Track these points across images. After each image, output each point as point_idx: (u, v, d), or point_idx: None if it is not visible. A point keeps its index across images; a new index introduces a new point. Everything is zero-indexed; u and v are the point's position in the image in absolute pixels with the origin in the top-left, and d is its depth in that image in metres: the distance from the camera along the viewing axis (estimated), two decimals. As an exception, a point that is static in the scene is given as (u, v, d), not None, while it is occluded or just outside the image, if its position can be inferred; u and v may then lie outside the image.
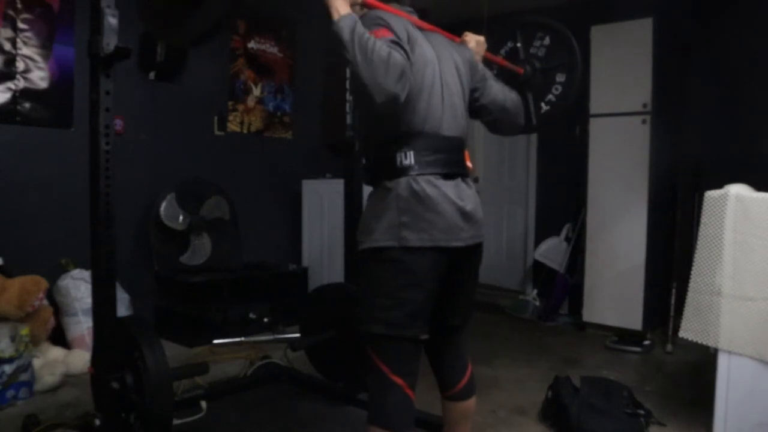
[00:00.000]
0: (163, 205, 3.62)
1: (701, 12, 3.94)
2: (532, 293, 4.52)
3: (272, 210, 4.51)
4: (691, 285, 2.23)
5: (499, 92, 1.72)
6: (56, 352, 2.93)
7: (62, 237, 3.22)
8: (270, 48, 4.44)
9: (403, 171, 1.43)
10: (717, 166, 3.52)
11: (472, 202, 1.52)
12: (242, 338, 3.44)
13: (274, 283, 4.05)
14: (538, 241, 4.60)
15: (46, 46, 3.20)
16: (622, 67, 3.74)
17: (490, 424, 2.43)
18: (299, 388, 2.78)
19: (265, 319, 3.70)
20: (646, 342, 3.57)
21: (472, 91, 1.66)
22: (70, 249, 3.22)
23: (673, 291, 3.55)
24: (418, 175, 1.43)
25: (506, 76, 1.97)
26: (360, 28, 1.28)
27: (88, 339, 2.99)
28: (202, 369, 2.28)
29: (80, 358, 2.92)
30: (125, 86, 3.23)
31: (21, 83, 3.12)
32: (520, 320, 4.35)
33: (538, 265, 4.59)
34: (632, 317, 3.72)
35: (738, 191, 2.17)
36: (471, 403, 1.71)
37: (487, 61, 1.88)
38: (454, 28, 1.75)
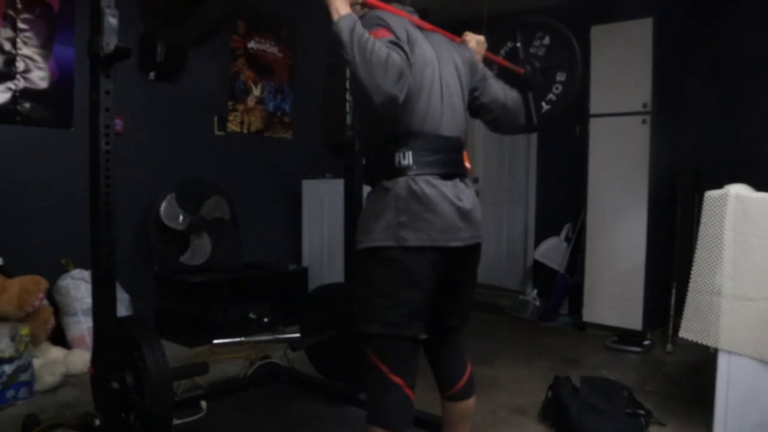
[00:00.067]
0: (163, 205, 3.62)
1: (701, 12, 3.94)
2: (532, 293, 4.52)
3: (272, 210, 4.51)
4: (691, 285, 2.23)
5: (500, 91, 1.72)
6: (56, 352, 2.93)
7: (62, 237, 3.22)
8: (270, 48, 4.44)
9: (402, 171, 1.44)
10: (717, 166, 3.52)
11: (471, 202, 1.52)
12: (242, 338, 3.44)
13: (274, 283, 4.05)
14: (538, 241, 4.60)
15: (46, 46, 3.20)
16: (622, 67, 3.74)
17: (490, 424, 2.43)
18: (299, 388, 2.78)
19: (265, 319, 3.70)
20: (646, 342, 3.57)
21: (473, 90, 1.66)
22: (70, 249, 3.22)
23: (673, 291, 3.55)
24: (416, 175, 1.43)
25: (506, 76, 1.97)
26: (359, 28, 1.28)
27: (88, 339, 2.99)
28: (202, 369, 2.28)
29: (80, 358, 2.92)
30: (125, 86, 3.24)
31: (21, 83, 3.12)
32: (520, 320, 4.35)
33: (538, 265, 4.59)
34: (632, 317, 3.72)
35: (738, 191, 2.17)
36: (470, 403, 1.71)
37: (487, 61, 1.88)
38: (454, 28, 1.75)
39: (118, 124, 3.38)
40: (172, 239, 3.71)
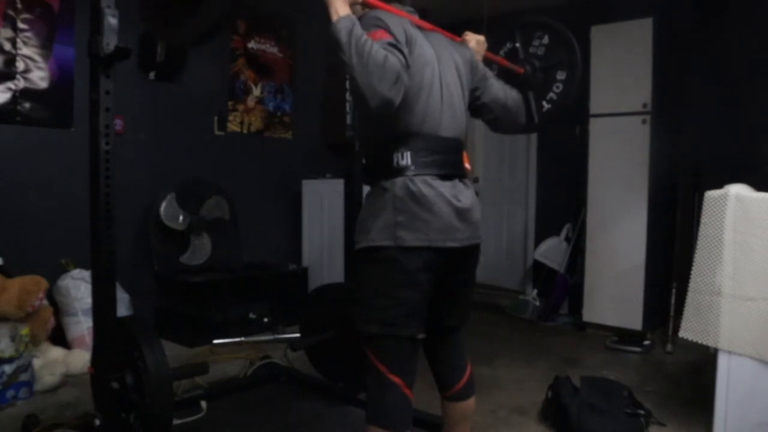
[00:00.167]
0: (163, 205, 3.62)
1: (701, 12, 3.94)
2: (532, 293, 4.52)
3: (272, 210, 4.51)
4: (691, 285, 2.23)
5: (500, 91, 1.72)
6: (56, 352, 2.93)
7: (62, 237, 3.22)
8: (270, 48, 4.44)
9: (400, 171, 1.44)
10: (717, 166, 3.52)
11: (470, 203, 1.52)
12: (242, 338, 3.44)
13: (274, 283, 4.05)
14: (538, 241, 4.60)
15: (46, 46, 3.20)
16: (622, 67, 3.74)
17: (490, 424, 2.43)
18: (299, 388, 2.78)
19: (265, 319, 3.70)
20: (646, 342, 3.57)
21: (473, 90, 1.66)
22: (70, 249, 3.22)
23: (673, 291, 3.55)
24: (414, 175, 1.43)
25: (507, 76, 1.97)
26: (358, 30, 1.28)
27: (88, 339, 2.99)
28: (202, 369, 2.28)
29: (80, 358, 2.92)
30: (125, 86, 3.24)
31: (21, 83, 3.12)
32: (520, 320, 4.35)
33: (538, 265, 4.59)
34: (632, 317, 3.72)
35: (738, 191, 2.17)
36: (470, 403, 1.71)
37: (487, 61, 1.88)
38: (454, 28, 1.75)
39: (118, 124, 3.38)
40: (172, 239, 3.71)
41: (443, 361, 1.67)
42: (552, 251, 4.39)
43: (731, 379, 2.15)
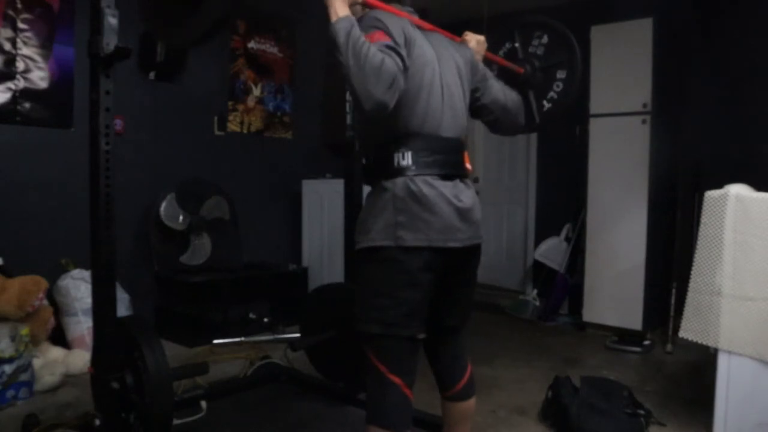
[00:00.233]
0: (163, 205, 3.62)
1: (701, 12, 3.94)
2: (532, 293, 4.52)
3: (272, 210, 4.51)
4: (691, 285, 2.23)
5: (500, 92, 1.72)
6: (56, 352, 2.93)
7: (62, 237, 3.22)
8: (270, 48, 4.44)
9: (401, 171, 1.43)
10: (717, 166, 3.52)
11: (471, 203, 1.52)
12: (242, 338, 3.44)
13: (274, 283, 4.05)
14: (538, 241, 4.60)
15: (46, 46, 3.20)
16: (622, 67, 3.74)
17: (490, 424, 2.43)
18: (299, 388, 2.78)
19: (265, 319, 3.69)
20: (646, 342, 3.57)
21: (473, 91, 1.66)
22: (70, 249, 3.22)
23: (673, 291, 3.55)
24: (415, 175, 1.43)
25: (507, 76, 1.97)
26: (356, 32, 1.27)
27: (88, 339, 2.99)
28: (202, 369, 2.28)
29: (80, 358, 2.92)
30: (125, 86, 3.24)
31: (21, 83, 3.12)
32: (520, 320, 4.35)
33: (538, 265, 4.59)
34: (632, 317, 3.72)
35: (738, 191, 2.17)
36: (471, 403, 1.71)
37: (487, 61, 1.88)
38: (454, 28, 1.75)
39: (118, 124, 3.38)
40: (172, 239, 3.71)
41: (444, 361, 1.67)
42: (552, 251, 4.39)
43: (731, 379, 2.15)
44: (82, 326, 3.10)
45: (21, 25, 3.10)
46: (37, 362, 2.71)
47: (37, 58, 3.17)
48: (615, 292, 3.79)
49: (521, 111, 1.80)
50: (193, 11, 1.79)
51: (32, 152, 3.18)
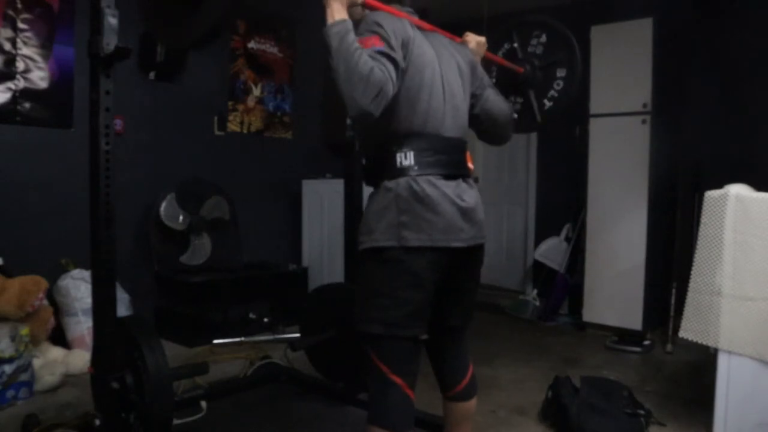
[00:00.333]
0: (163, 205, 3.62)
1: (701, 12, 3.94)
2: (532, 293, 4.52)
3: (272, 210, 4.51)
4: (691, 285, 2.23)
5: (494, 105, 1.70)
6: (56, 352, 2.92)
7: (62, 237, 3.22)
8: (270, 48, 4.44)
9: (403, 171, 1.43)
10: (717, 166, 3.53)
11: (474, 203, 1.52)
12: (242, 338, 3.44)
13: (274, 283, 4.05)
14: (538, 241, 4.61)
15: (46, 46, 3.20)
16: (622, 67, 3.74)
17: (490, 424, 2.43)
18: (299, 388, 2.78)
19: (265, 319, 3.69)
20: (646, 342, 3.57)
21: (470, 96, 1.65)
22: (70, 249, 3.22)
23: (673, 291, 3.55)
24: (418, 175, 1.43)
25: (507, 76, 1.97)
26: (350, 37, 1.28)
27: (88, 339, 2.99)
28: (202, 369, 2.28)
29: (80, 358, 2.92)
30: (125, 86, 3.24)
31: (21, 83, 3.12)
32: (520, 320, 4.34)
33: (538, 265, 4.59)
34: (632, 317, 3.72)
35: (738, 191, 2.17)
36: (472, 403, 1.70)
37: (487, 62, 1.88)
38: (454, 28, 1.75)
39: (118, 124, 3.38)
40: (172, 239, 3.71)
41: (446, 361, 1.67)
42: (552, 251, 4.39)
43: (731, 379, 2.15)
44: (82, 326, 3.10)
45: (21, 25, 3.10)
46: (37, 362, 2.71)
47: (37, 58, 3.17)
48: (615, 292, 3.80)
49: (511, 125, 1.78)
50: (193, 11, 1.79)
51: (32, 152, 3.18)
